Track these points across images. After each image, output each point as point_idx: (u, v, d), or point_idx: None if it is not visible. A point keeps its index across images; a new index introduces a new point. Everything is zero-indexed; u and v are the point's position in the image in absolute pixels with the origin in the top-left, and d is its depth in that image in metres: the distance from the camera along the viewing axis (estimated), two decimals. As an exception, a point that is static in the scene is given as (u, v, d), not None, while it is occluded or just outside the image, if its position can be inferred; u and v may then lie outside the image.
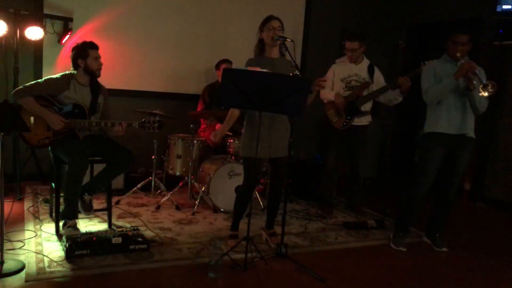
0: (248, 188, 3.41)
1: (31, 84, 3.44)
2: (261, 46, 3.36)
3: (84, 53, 3.49)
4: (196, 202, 4.28)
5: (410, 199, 3.72)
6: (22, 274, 2.76)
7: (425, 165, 3.59)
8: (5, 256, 2.86)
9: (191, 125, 4.55)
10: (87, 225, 3.69)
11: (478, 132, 5.35)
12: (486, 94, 3.26)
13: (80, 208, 3.46)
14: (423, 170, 3.59)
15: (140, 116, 3.81)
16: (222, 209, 4.26)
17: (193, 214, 4.17)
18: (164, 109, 4.35)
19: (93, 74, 3.55)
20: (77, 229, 3.37)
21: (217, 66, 5.01)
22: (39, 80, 3.53)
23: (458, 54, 3.44)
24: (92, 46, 3.53)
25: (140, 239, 3.20)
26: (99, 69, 3.56)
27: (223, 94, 3.02)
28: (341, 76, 4.36)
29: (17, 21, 4.33)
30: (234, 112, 3.47)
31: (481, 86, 3.26)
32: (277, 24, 3.27)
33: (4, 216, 2.82)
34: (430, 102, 3.57)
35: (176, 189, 4.51)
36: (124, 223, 3.77)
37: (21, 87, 3.41)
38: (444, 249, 3.68)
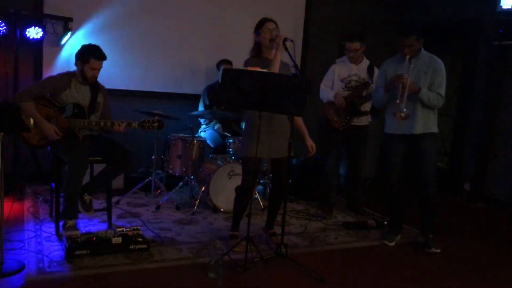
0: (246, 188, 3.41)
1: (32, 86, 3.44)
2: (257, 48, 3.35)
3: (86, 58, 3.46)
4: (196, 202, 4.29)
5: (388, 196, 3.84)
6: (22, 274, 2.76)
7: (387, 163, 3.76)
8: (5, 256, 2.85)
9: (191, 125, 4.54)
10: (87, 225, 3.69)
11: (478, 132, 5.42)
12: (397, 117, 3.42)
13: (80, 208, 3.45)
14: (388, 167, 3.75)
15: (140, 116, 3.81)
16: (222, 209, 4.26)
17: (193, 214, 4.17)
18: (164, 109, 4.34)
19: (85, 79, 3.54)
20: (77, 229, 3.37)
21: (218, 66, 5.01)
22: (41, 81, 3.53)
23: (408, 57, 3.49)
24: (97, 55, 3.45)
25: (140, 239, 3.21)
26: (93, 78, 3.52)
27: (223, 94, 3.02)
28: (341, 76, 4.36)
29: (17, 21, 4.32)
30: None
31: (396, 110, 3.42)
32: (273, 26, 3.27)
33: (4, 216, 2.82)
34: (375, 105, 3.77)
35: (176, 189, 4.52)
36: (124, 223, 3.77)
37: (22, 90, 3.41)
38: (433, 249, 3.63)
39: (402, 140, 3.63)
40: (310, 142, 3.55)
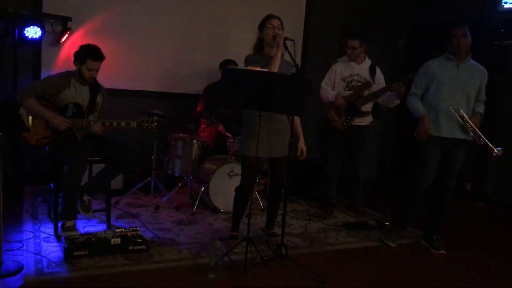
0: (245, 188, 3.39)
1: (32, 85, 3.44)
2: (260, 45, 3.35)
3: (83, 59, 3.44)
4: (196, 202, 4.26)
5: (409, 197, 3.70)
6: (21, 275, 2.75)
7: (421, 166, 3.59)
8: (4, 256, 2.84)
9: (191, 125, 4.52)
10: (86, 225, 3.67)
11: (479, 132, 5.39)
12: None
13: (79, 209, 3.44)
14: (420, 170, 3.59)
15: (139, 116, 3.79)
16: (221, 210, 4.24)
17: (192, 214, 4.15)
18: (164, 109, 4.32)
19: (83, 80, 3.52)
20: (76, 230, 3.35)
21: (222, 66, 4.98)
22: (40, 80, 3.52)
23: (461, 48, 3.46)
24: (93, 57, 3.43)
25: (139, 240, 3.19)
26: (90, 78, 3.50)
27: (223, 93, 3.00)
28: (342, 75, 4.35)
29: (16, 20, 4.31)
30: None
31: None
32: (277, 23, 3.26)
33: (2, 216, 2.80)
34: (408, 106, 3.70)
35: (175, 189, 4.50)
36: (123, 224, 3.76)
37: (24, 89, 3.40)
38: (442, 251, 3.65)
39: (439, 143, 3.53)
40: (302, 146, 3.47)
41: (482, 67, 3.57)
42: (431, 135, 3.54)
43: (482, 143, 3.44)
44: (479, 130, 3.44)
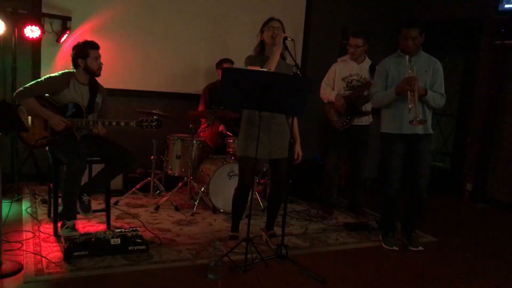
0: (242, 188, 3.39)
1: (31, 85, 3.43)
2: (261, 46, 3.38)
3: (85, 53, 3.46)
4: (196, 203, 4.26)
5: (385, 197, 3.73)
6: (21, 275, 2.74)
7: (387, 163, 3.63)
8: (3, 257, 2.83)
9: (191, 125, 4.51)
10: (86, 226, 3.66)
11: (480, 132, 5.40)
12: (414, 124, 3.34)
13: (78, 209, 3.43)
14: (387, 168, 3.63)
15: (139, 116, 3.78)
16: (221, 210, 4.23)
17: (192, 215, 4.14)
18: (163, 109, 4.31)
19: (93, 74, 3.53)
20: (76, 230, 3.34)
21: (218, 65, 4.97)
22: (39, 80, 3.51)
23: (407, 57, 3.44)
24: (93, 45, 3.50)
25: (139, 240, 3.18)
26: (99, 69, 3.55)
27: (223, 93, 3.00)
28: (342, 75, 4.34)
29: (15, 20, 4.30)
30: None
31: (412, 118, 3.31)
32: (277, 25, 3.30)
33: (2, 216, 2.79)
34: (375, 106, 3.68)
35: (175, 189, 4.49)
36: (123, 224, 3.75)
37: (22, 88, 3.39)
38: (420, 248, 3.64)
39: (402, 140, 3.56)
40: (298, 149, 3.48)
41: (434, 58, 3.56)
42: (393, 133, 3.57)
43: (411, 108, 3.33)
44: (418, 99, 3.34)
